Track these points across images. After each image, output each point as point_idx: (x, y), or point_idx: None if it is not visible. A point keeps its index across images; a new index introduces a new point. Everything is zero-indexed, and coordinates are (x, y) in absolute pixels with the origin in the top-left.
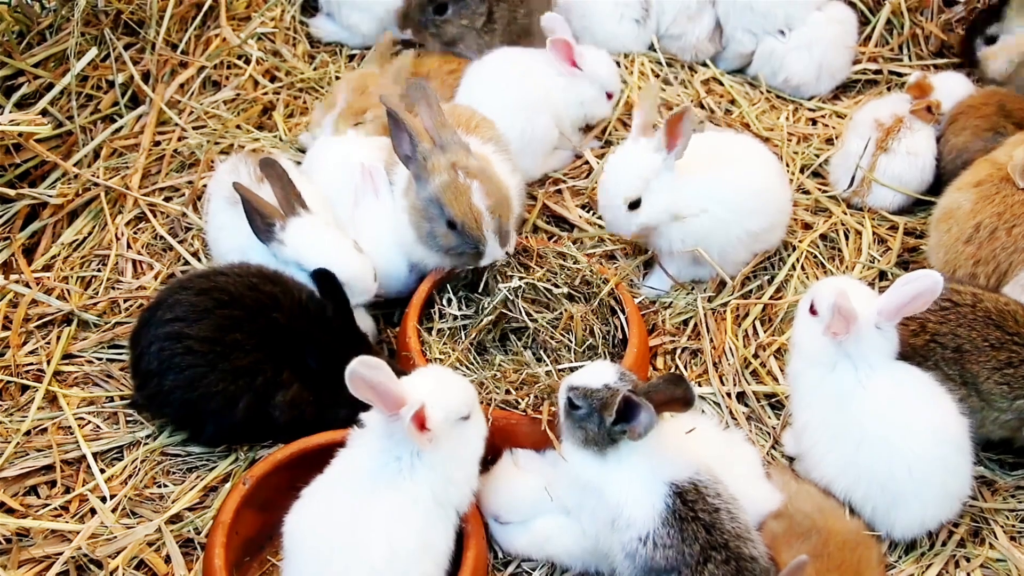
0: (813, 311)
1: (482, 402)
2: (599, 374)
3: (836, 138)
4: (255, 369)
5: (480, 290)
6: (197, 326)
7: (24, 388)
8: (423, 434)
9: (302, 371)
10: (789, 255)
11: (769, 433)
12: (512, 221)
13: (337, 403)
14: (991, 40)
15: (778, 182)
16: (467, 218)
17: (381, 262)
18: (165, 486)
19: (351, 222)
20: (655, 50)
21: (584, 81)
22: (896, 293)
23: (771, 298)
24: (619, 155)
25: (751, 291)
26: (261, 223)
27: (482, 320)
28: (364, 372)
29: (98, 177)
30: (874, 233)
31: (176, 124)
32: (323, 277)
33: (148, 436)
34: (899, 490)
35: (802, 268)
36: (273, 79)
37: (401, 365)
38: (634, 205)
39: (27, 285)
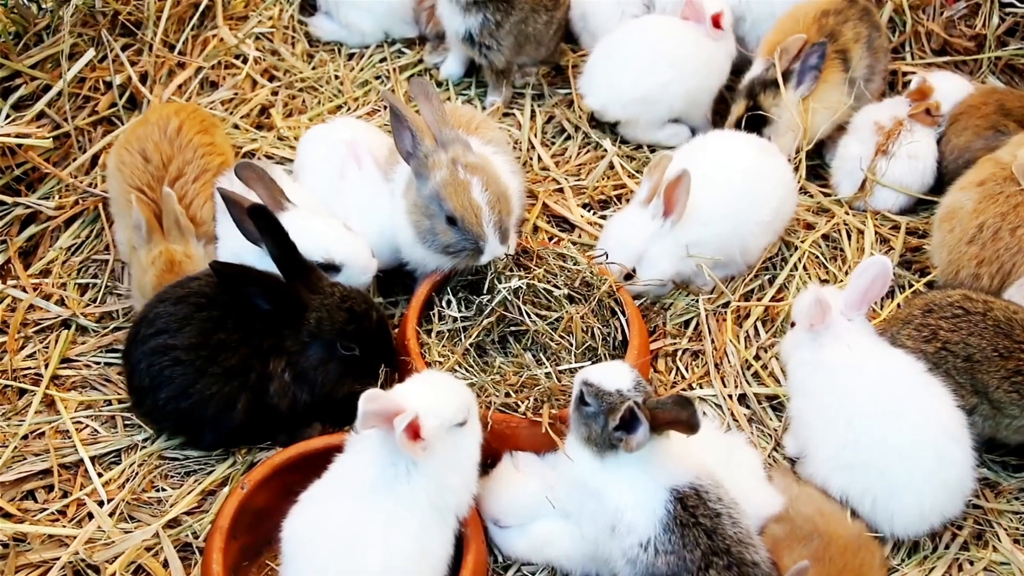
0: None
1: (482, 405)
2: (615, 377)
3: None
4: (246, 366)
5: (480, 292)
6: (181, 335)
7: (22, 392)
8: (416, 443)
9: (277, 343)
10: (791, 255)
11: (771, 435)
12: (513, 220)
13: (305, 342)
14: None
15: (764, 160)
16: (467, 213)
17: (369, 233)
18: (163, 490)
19: (338, 196)
20: None
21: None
22: (854, 285)
23: (772, 299)
24: (617, 224)
25: (752, 292)
26: (253, 224)
27: (482, 321)
28: (372, 407)
29: (95, 187)
30: (876, 233)
31: None
32: (257, 213)
33: (146, 440)
34: (894, 477)
35: (804, 268)
36: (272, 78)
37: (400, 368)
38: (628, 276)
39: (23, 290)
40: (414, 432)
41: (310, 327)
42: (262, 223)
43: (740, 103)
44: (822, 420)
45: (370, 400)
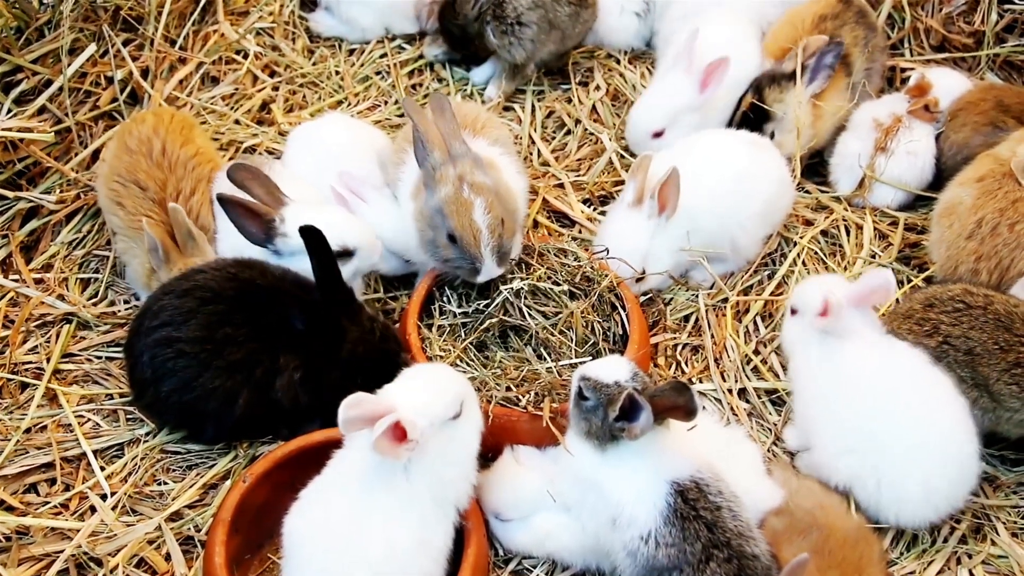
0: (793, 311)
1: (483, 399)
2: (613, 369)
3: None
4: (252, 361)
5: (481, 288)
6: (185, 328)
7: (24, 386)
8: (402, 445)
9: (294, 347)
10: (790, 250)
11: (770, 429)
12: (517, 237)
13: (331, 365)
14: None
15: (754, 155)
16: (466, 233)
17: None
18: (165, 483)
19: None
20: (651, 46)
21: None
22: (859, 286)
23: (772, 294)
24: (612, 229)
25: (752, 287)
26: (259, 224)
27: (483, 323)
28: (353, 413)
29: (96, 180)
30: (875, 228)
31: None
32: (309, 233)
33: (148, 433)
34: (899, 459)
35: (803, 264)
36: (272, 74)
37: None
38: (639, 279)
39: (25, 284)
40: (400, 435)
41: (344, 356)
42: (312, 242)
43: (746, 97)
44: (827, 407)
45: (352, 406)
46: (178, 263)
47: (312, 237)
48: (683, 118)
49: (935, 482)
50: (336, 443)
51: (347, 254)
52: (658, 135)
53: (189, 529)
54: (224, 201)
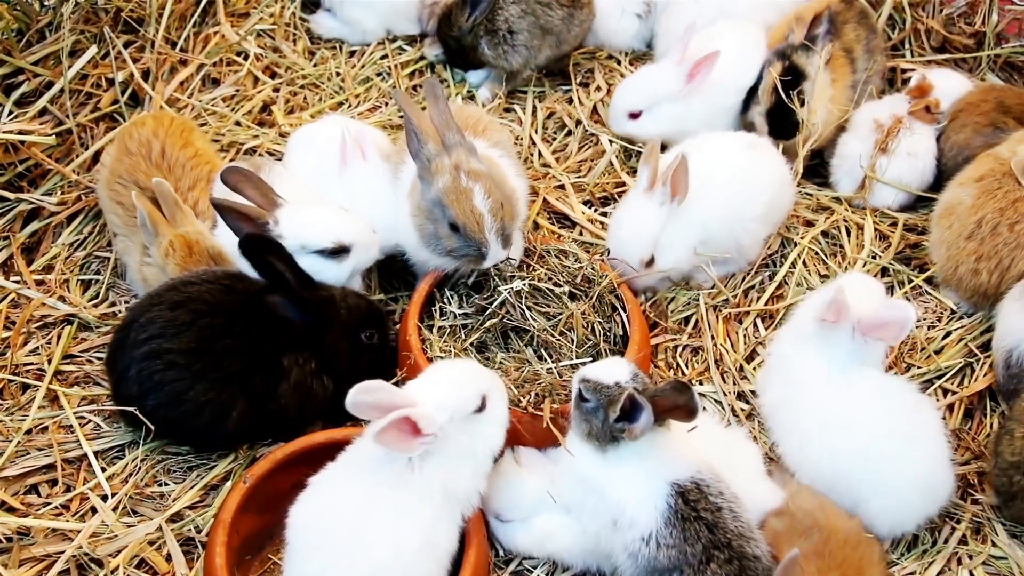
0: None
1: None
2: (613, 371)
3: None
4: (251, 371)
5: (481, 289)
6: (177, 340)
7: (25, 387)
8: (417, 439)
9: (297, 341)
10: (790, 251)
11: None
12: (517, 224)
13: (338, 335)
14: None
15: (754, 157)
16: (468, 220)
17: (380, 220)
18: (166, 484)
19: (342, 184)
20: (651, 48)
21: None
22: (876, 313)
23: (772, 295)
24: (625, 214)
25: (752, 288)
26: (252, 227)
27: (483, 323)
28: (363, 398)
29: (97, 182)
30: (875, 229)
31: None
32: (249, 242)
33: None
34: (881, 476)
35: (804, 264)
36: (273, 75)
37: (401, 363)
38: (649, 263)
39: (25, 284)
40: (412, 429)
41: (344, 318)
42: (255, 249)
43: (776, 64)
44: (821, 430)
45: (363, 392)
46: (168, 234)
47: (250, 245)
48: (663, 106)
49: (912, 500)
50: (338, 444)
51: (343, 251)
52: (634, 116)
53: (190, 530)
54: (217, 206)
